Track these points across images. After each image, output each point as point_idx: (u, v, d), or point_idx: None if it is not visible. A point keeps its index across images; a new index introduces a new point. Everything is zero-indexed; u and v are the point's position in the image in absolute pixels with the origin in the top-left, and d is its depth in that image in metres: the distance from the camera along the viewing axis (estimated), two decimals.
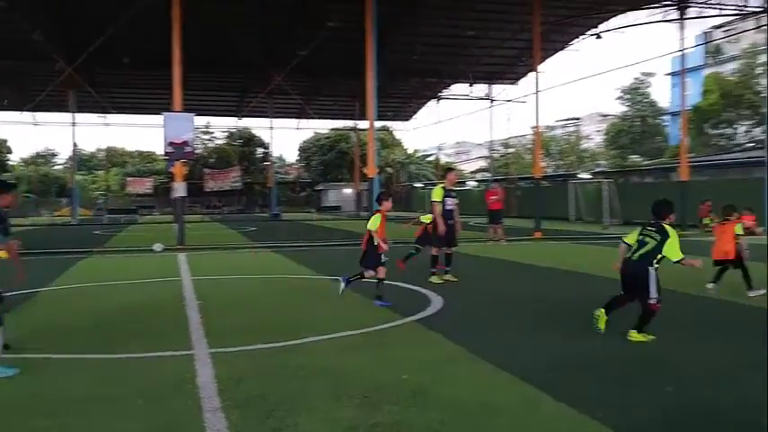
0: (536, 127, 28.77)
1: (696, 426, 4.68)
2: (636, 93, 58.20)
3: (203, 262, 16.68)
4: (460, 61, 40.63)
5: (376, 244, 9.51)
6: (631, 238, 7.60)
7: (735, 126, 45.33)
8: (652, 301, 7.18)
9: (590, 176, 40.13)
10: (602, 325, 7.40)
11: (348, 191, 61.33)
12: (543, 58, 34.67)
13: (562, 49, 37.67)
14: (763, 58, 39.55)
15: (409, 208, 59.13)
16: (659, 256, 7.26)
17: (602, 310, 7.48)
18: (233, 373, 5.99)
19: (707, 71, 47.71)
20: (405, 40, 34.68)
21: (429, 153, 72.97)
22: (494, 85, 45.26)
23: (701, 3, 28.42)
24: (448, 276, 11.99)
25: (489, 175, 53.13)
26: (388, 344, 7.27)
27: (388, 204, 9.80)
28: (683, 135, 30.45)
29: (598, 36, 32.83)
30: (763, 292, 10.09)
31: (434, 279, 11.86)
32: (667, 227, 7.42)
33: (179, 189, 21.96)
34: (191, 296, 10.72)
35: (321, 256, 18.34)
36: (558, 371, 6.07)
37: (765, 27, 28.28)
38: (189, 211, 44.72)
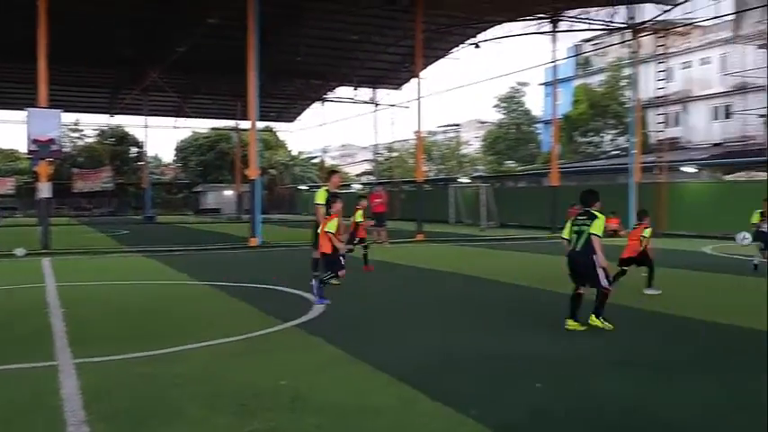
0: (418, 132, 29.36)
1: (565, 421, 4.90)
2: (512, 101, 60.78)
3: (69, 267, 15.73)
4: (345, 64, 40.78)
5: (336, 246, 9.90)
6: (567, 232, 8.19)
7: (602, 134, 48.32)
8: (604, 286, 7.85)
9: (469, 181, 41.46)
10: (578, 327, 7.86)
11: (228, 193, 59.89)
12: (425, 65, 35.42)
13: (443, 56, 38.66)
14: (627, 71, 42.37)
15: (293, 210, 58.69)
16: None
17: (570, 320, 7.92)
18: (100, 385, 5.66)
19: (577, 82, 50.59)
20: (289, 41, 34.34)
21: (314, 155, 72.69)
22: (378, 90, 45.76)
23: (572, 17, 30.11)
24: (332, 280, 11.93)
25: (374, 178, 53.68)
26: (267, 350, 7.13)
27: (338, 206, 10.09)
28: (554, 142, 32.12)
29: (477, 45, 33.96)
30: (659, 292, 10.86)
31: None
32: (595, 212, 8.06)
33: (44, 190, 20.59)
34: (55, 303, 10.06)
35: (197, 260, 17.80)
36: (436, 370, 6.19)
37: (629, 42, 30.40)
38: (55, 213, 42.10)
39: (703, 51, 43.44)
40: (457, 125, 79.86)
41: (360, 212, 14.26)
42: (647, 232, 11.16)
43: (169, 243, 22.76)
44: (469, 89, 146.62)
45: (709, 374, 6.14)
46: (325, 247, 9.92)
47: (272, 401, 5.21)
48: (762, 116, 34.97)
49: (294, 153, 73.62)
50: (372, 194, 23.54)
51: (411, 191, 43.19)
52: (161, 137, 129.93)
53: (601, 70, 49.45)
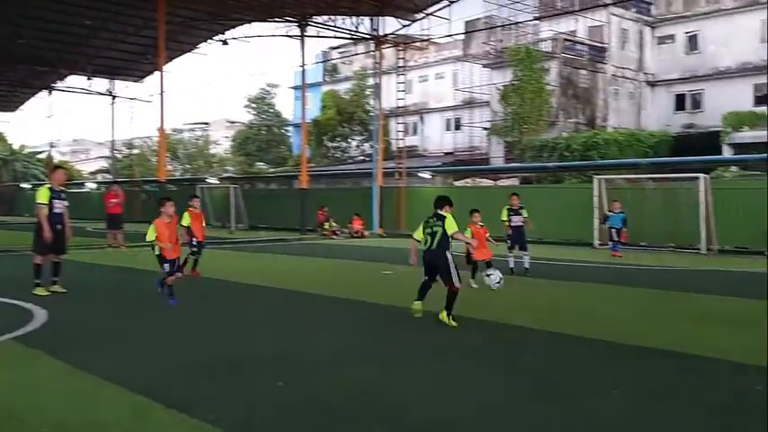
0: (161, 128, 27.90)
1: (306, 417, 4.88)
2: (262, 102, 60.75)
3: None
4: (78, 52, 37.36)
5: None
6: (419, 234, 8.72)
7: (348, 140, 50.38)
8: (455, 285, 8.31)
9: (218, 181, 40.51)
10: (419, 311, 8.57)
11: None
12: (170, 58, 33.85)
13: (189, 50, 37.24)
14: (371, 81, 44.61)
15: (14, 211, 52.16)
16: (451, 240, 8.46)
17: (418, 302, 8.62)
18: None
19: (325, 88, 52.14)
20: (11, 21, 30.56)
21: (40, 150, 65.36)
22: (116, 81, 42.66)
23: (320, 23, 30.88)
24: (56, 287, 10.73)
25: (110, 176, 49.97)
26: None
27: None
28: (303, 146, 32.70)
29: (225, 42, 33.32)
30: (476, 286, 11.62)
31: (39, 291, 10.49)
32: (445, 213, 8.60)
33: None
34: None
35: None
36: (174, 377, 5.84)
37: (372, 52, 32.04)
38: None
39: (438, 66, 47.39)
40: (206, 123, 77.69)
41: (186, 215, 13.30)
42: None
43: None
44: (219, 87, 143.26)
45: (440, 363, 6.57)
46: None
47: None
48: (485, 129, 39.12)
49: (15, 147, 65.62)
50: (108, 194, 21.77)
51: (153, 191, 40.97)
52: None
53: (347, 78, 51.51)
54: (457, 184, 34.07)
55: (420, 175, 32.80)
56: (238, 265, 16.47)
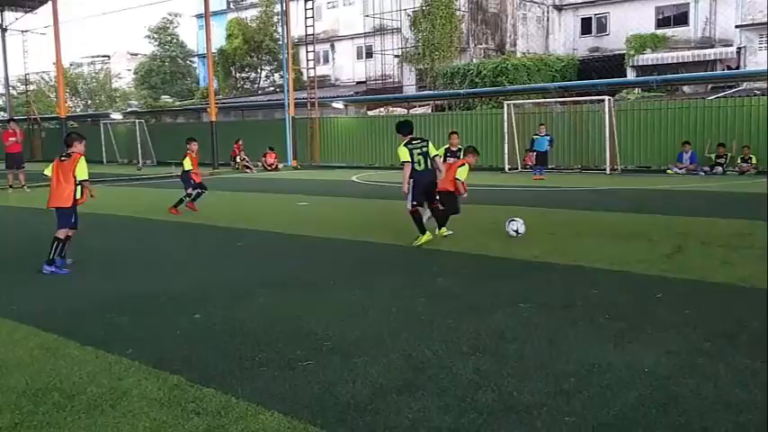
0: (58, 62, 26.21)
1: (222, 344, 4.91)
2: (165, 32, 57.89)
3: None
4: None
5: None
6: (406, 155, 8.61)
7: (258, 70, 48.90)
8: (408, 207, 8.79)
9: (121, 117, 38.74)
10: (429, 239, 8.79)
11: None
12: None
13: None
14: (278, 8, 43.12)
15: None
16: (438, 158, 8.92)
17: (425, 236, 8.75)
18: None
19: (231, 15, 50.02)
20: None
21: None
22: (6, 12, 39.51)
23: None
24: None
25: (5, 114, 46.87)
26: None
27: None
28: (209, 76, 31.52)
29: None
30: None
31: None
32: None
33: None
34: None
35: None
36: (86, 316, 5.73)
37: None
38: None
39: None
40: (106, 56, 73.48)
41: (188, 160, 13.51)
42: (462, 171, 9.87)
43: None
44: (118, 17, 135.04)
45: (357, 289, 6.70)
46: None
47: None
48: (396, 56, 38.84)
49: None
50: (5, 132, 20.47)
51: (53, 129, 38.83)
52: None
53: (253, 5, 49.55)
54: (370, 113, 33.93)
55: (333, 105, 32.43)
56: (149, 203, 16.00)
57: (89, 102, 60.90)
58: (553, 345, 4.71)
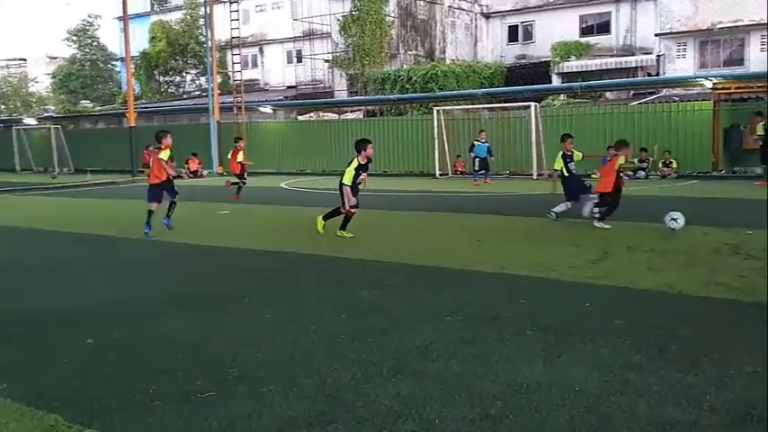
0: None
1: (117, 375, 4.38)
2: (84, 35, 55.50)
3: None
4: None
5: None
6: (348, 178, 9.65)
7: (183, 74, 47.48)
8: (342, 210, 9.87)
9: (36, 122, 36.85)
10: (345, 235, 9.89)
11: None
12: None
13: None
14: (203, 11, 42.05)
15: None
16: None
17: (320, 218, 10.16)
18: None
19: (154, 18, 48.42)
20: None
21: None
22: None
23: None
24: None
25: None
26: None
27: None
28: (129, 80, 30.29)
29: None
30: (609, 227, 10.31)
31: None
32: (355, 159, 9.74)
33: None
34: None
35: None
36: None
37: None
38: None
39: None
40: (22, 60, 70.08)
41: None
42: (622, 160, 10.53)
43: None
44: (35, 19, 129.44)
45: (275, 301, 6.25)
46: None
47: None
48: (327, 61, 38.39)
49: None
50: None
51: None
52: None
53: (177, 7, 48.15)
54: (301, 118, 33.35)
55: (261, 109, 31.69)
56: (58, 214, 15.03)
57: (2, 107, 57.90)
58: (479, 362, 4.40)
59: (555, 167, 11.69)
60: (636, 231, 9.95)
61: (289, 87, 42.43)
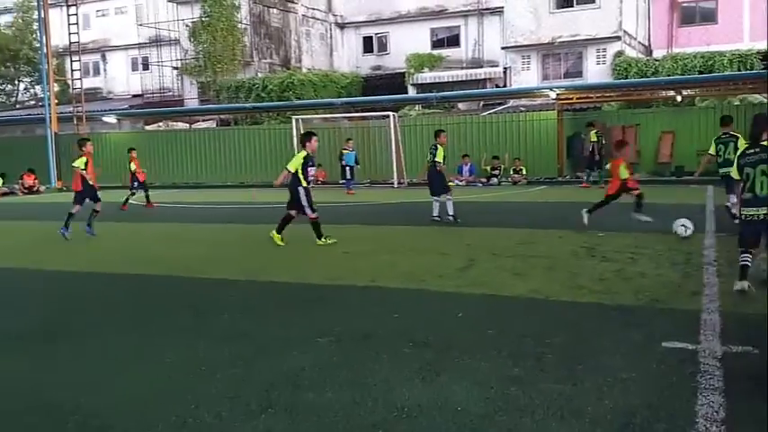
0: None
1: None
2: None
3: None
4: None
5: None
6: (298, 164, 9.50)
7: (15, 82, 43.73)
8: (309, 215, 9.54)
9: None
10: (279, 242, 9.64)
11: None
12: None
13: None
14: (37, 14, 38.91)
15: None
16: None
17: (275, 233, 9.63)
18: None
19: None
20: None
21: None
22: None
23: None
24: None
25: None
26: None
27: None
28: None
29: None
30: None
31: None
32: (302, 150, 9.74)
33: None
34: None
35: None
36: None
37: None
38: None
39: (119, 0, 43.02)
40: None
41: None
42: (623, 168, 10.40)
43: None
44: None
45: (128, 331, 5.60)
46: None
47: None
48: (176, 68, 36.78)
49: None
50: None
51: None
52: None
53: (7, 10, 44.21)
54: (149, 128, 31.63)
55: (104, 119, 29.68)
56: None
57: None
58: (356, 387, 4.08)
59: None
60: (498, 237, 10.12)
61: (135, 96, 40.28)
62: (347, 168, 20.11)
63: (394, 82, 33.85)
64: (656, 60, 27.65)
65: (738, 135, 10.22)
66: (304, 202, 9.57)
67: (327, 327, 5.42)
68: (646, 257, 8.02)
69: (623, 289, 6.45)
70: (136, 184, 17.07)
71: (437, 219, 12.02)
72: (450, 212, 11.93)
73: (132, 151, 17.55)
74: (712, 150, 10.59)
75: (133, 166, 17.01)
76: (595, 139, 19.30)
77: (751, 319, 5.37)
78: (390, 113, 22.63)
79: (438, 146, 12.03)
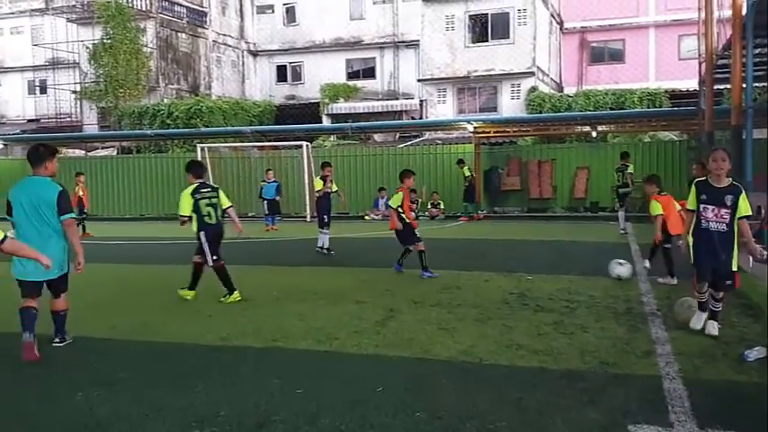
0: None
1: None
2: None
3: None
4: None
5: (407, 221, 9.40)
6: (187, 209, 7.84)
7: None
8: (209, 262, 7.96)
9: None
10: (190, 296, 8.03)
11: None
12: None
13: None
14: None
15: None
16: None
17: (190, 290, 8.04)
18: None
19: None
20: None
21: None
22: None
23: None
24: None
25: None
26: None
27: (409, 182, 9.54)
28: None
29: None
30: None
31: None
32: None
33: None
34: None
35: None
36: None
37: None
38: None
39: (14, 19, 40.26)
40: None
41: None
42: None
43: None
44: None
45: None
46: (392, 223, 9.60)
47: None
48: (74, 92, 34.48)
49: None
50: None
51: None
52: None
53: None
54: None
55: None
56: None
57: None
58: None
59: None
60: (419, 281, 9.13)
61: (30, 121, 37.59)
62: (266, 202, 18.22)
63: (308, 112, 32.88)
64: (569, 96, 27.89)
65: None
66: (205, 248, 7.96)
67: (211, 411, 4.23)
68: (583, 306, 7.23)
69: (566, 348, 5.57)
70: (83, 210, 16.95)
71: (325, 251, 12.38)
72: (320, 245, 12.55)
73: (80, 176, 17.56)
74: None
75: (80, 192, 16.97)
76: (468, 174, 20.41)
77: (720, 389, 4.57)
78: (304, 143, 21.55)
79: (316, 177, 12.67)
